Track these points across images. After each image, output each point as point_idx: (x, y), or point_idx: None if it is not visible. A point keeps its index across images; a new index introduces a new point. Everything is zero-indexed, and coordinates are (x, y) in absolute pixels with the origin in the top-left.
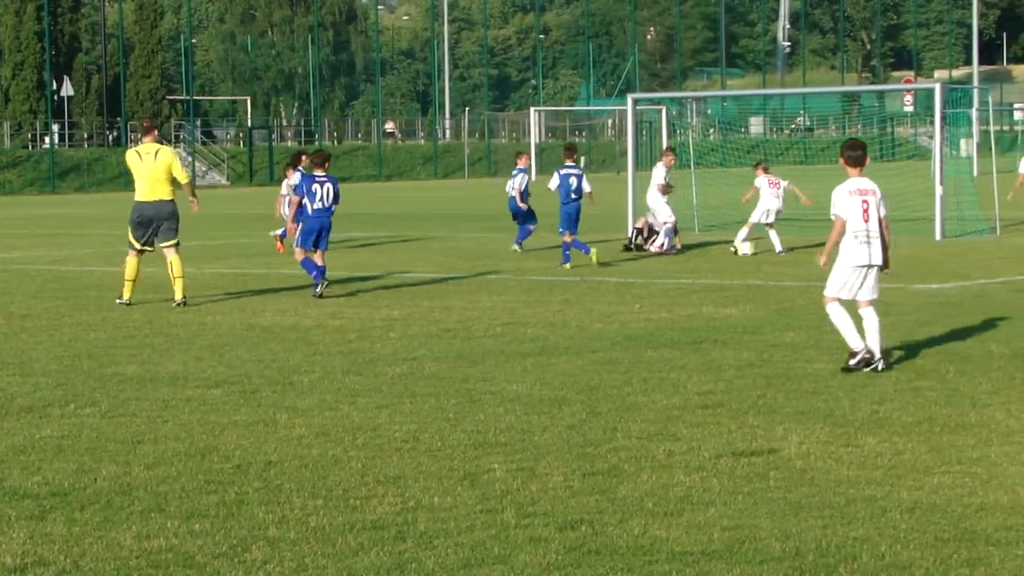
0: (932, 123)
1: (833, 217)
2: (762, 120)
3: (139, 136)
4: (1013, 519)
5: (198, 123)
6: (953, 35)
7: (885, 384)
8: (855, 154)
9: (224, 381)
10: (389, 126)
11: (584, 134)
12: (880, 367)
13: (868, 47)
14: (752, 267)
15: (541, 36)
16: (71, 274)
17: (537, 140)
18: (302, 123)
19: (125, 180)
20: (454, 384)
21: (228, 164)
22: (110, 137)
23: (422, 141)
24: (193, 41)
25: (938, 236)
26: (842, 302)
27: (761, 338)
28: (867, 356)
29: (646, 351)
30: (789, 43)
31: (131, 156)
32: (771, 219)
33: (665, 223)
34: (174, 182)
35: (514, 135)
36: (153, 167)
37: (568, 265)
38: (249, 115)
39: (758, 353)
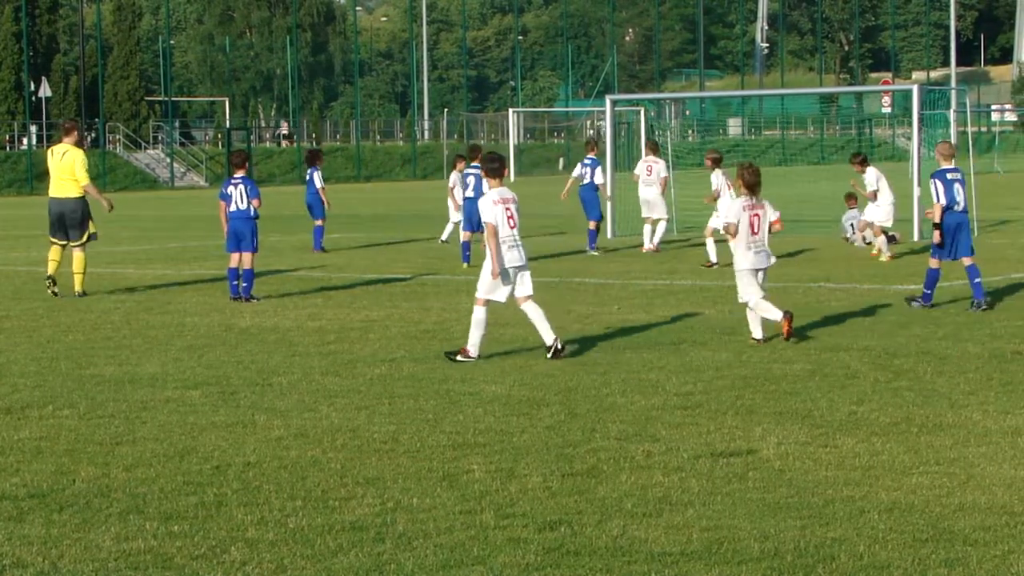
0: (910, 124)
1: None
2: (740, 121)
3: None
4: (991, 519)
5: (177, 124)
6: (931, 36)
7: (863, 385)
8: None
9: (203, 382)
10: (284, 129)
11: (563, 135)
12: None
13: (846, 48)
14: (730, 268)
15: (520, 37)
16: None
17: (516, 141)
18: (280, 124)
19: (103, 181)
20: (433, 385)
21: (207, 165)
22: (88, 138)
23: (401, 142)
24: (171, 42)
25: (916, 237)
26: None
27: (739, 339)
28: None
29: (624, 352)
30: (767, 44)
31: (48, 154)
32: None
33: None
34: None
35: (493, 136)
36: (59, 166)
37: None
38: (228, 116)
39: (736, 354)
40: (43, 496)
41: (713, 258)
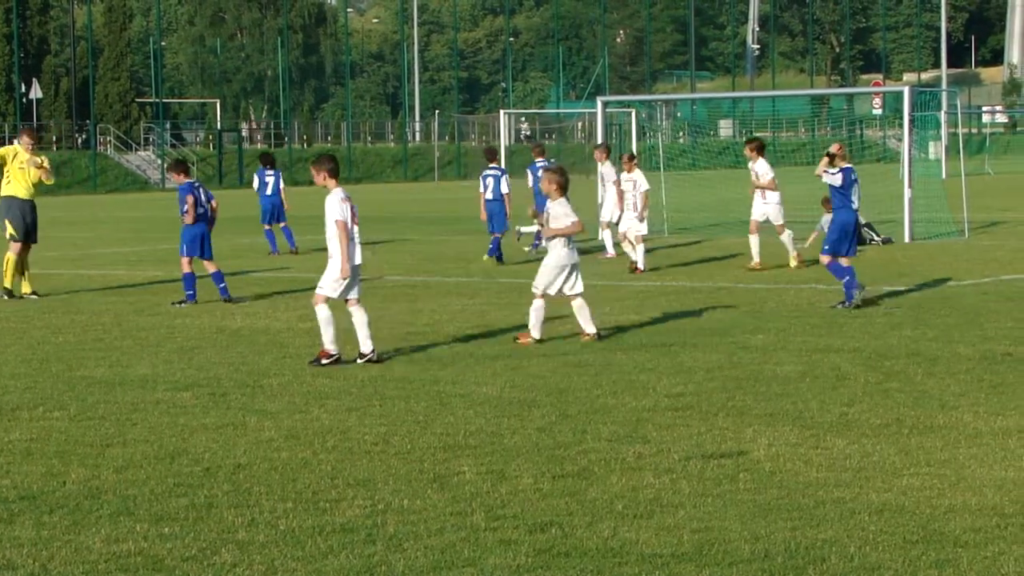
0: (901, 126)
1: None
2: (731, 123)
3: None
4: (981, 521)
5: (167, 125)
6: (922, 38)
7: (854, 386)
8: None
9: (193, 384)
10: (246, 130)
11: (554, 136)
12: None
13: (837, 50)
14: (720, 270)
15: (511, 39)
16: (39, 277)
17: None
18: (271, 126)
19: (94, 183)
20: (424, 387)
21: (197, 167)
22: (79, 140)
23: (392, 144)
24: (162, 44)
25: (907, 238)
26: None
27: (730, 340)
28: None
29: (615, 353)
30: (758, 46)
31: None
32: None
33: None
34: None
35: (484, 138)
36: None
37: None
38: (219, 118)
39: (727, 355)
40: (33, 498)
41: (756, 258)
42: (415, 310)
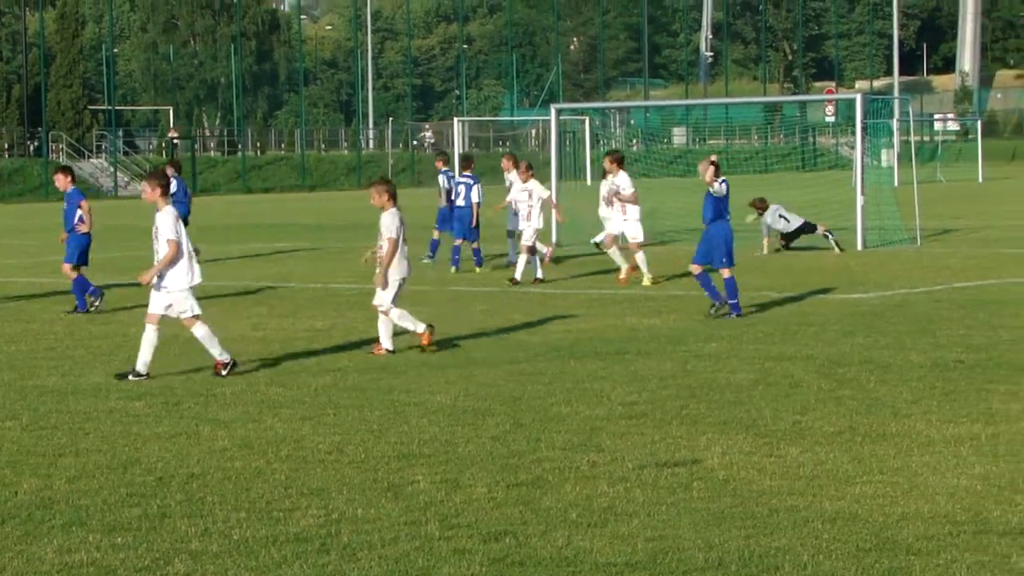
0: (853, 133)
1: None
2: (685, 130)
3: None
4: (934, 528)
5: (120, 133)
6: (874, 46)
7: (807, 394)
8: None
9: (146, 393)
10: (172, 134)
11: (508, 144)
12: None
13: (790, 58)
14: (674, 279)
15: (465, 46)
16: None
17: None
18: (225, 133)
19: (46, 190)
20: (378, 395)
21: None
22: (31, 147)
23: (345, 151)
24: (115, 51)
25: (859, 246)
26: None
27: (684, 348)
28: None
29: (569, 362)
30: (712, 53)
31: None
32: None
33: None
34: None
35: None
36: None
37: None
38: (172, 125)
39: (681, 363)
40: None
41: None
42: (369, 318)
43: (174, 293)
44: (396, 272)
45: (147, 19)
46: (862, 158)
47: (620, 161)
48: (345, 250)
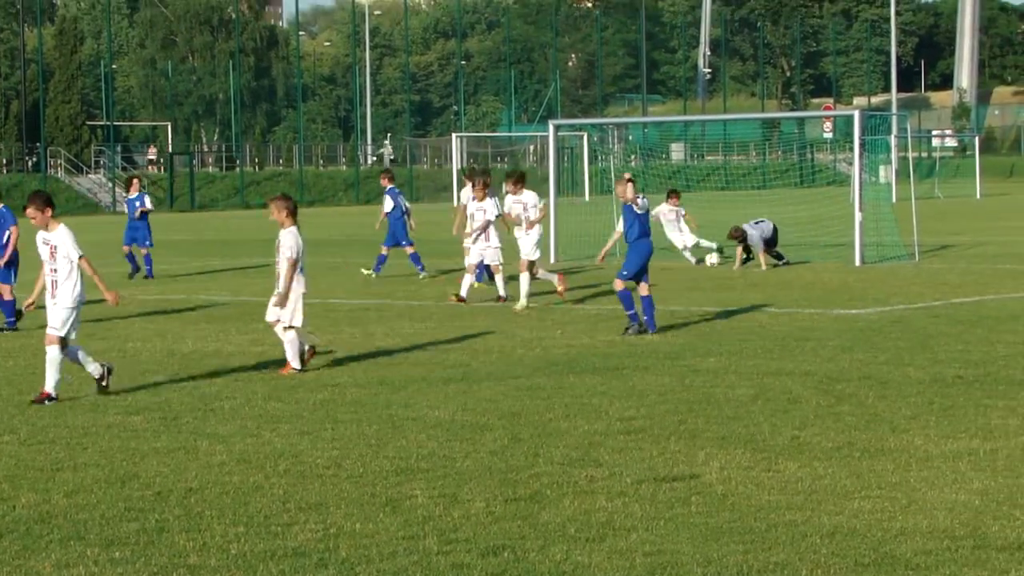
0: (851, 149)
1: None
2: (683, 146)
3: None
4: (932, 543)
5: (119, 148)
6: (872, 62)
7: (805, 409)
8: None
9: (144, 408)
10: (151, 154)
11: (506, 160)
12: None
13: (788, 74)
14: (673, 293)
15: (463, 62)
16: None
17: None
18: (223, 148)
19: None
20: (376, 410)
21: (148, 190)
22: (29, 163)
23: (344, 167)
24: (113, 66)
25: (857, 262)
26: None
27: (682, 363)
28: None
29: (568, 377)
30: (710, 70)
31: None
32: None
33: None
34: None
35: (436, 161)
36: None
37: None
38: (170, 141)
39: (679, 378)
40: None
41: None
42: (367, 333)
43: (65, 310)
44: (297, 289)
45: (145, 35)
46: (860, 174)
47: (521, 179)
48: (343, 265)
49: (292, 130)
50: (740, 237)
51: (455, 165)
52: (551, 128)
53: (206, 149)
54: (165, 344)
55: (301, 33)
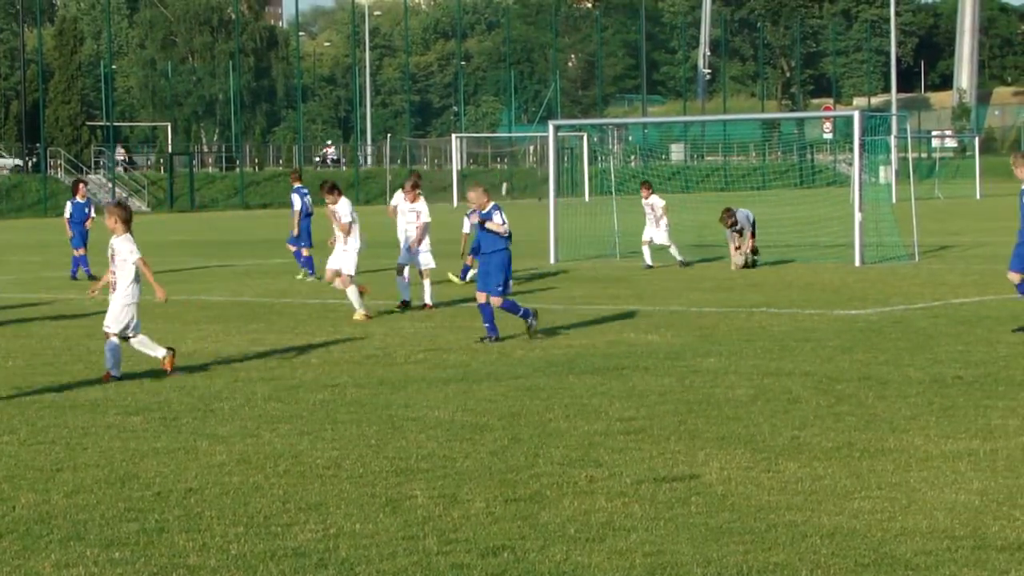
0: (851, 150)
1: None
2: (683, 147)
3: None
4: (932, 544)
5: (119, 149)
6: (872, 63)
7: (805, 409)
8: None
9: (144, 408)
10: (120, 154)
11: (506, 160)
12: None
13: (788, 74)
14: (673, 294)
15: (463, 63)
16: None
17: (459, 167)
18: (223, 149)
19: (45, 206)
20: (376, 410)
21: (148, 190)
22: (29, 163)
23: (344, 167)
24: (113, 67)
25: (857, 262)
26: None
27: (682, 364)
28: None
29: (568, 377)
30: (710, 70)
31: None
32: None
33: None
34: None
35: (436, 161)
36: None
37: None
38: (170, 141)
39: (679, 379)
40: None
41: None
42: (367, 333)
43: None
44: (131, 296)
45: (145, 36)
46: (860, 175)
47: (335, 188)
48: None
49: (292, 130)
50: (732, 219)
51: (455, 166)
52: (551, 128)
53: (206, 149)
54: (164, 343)
55: (301, 33)
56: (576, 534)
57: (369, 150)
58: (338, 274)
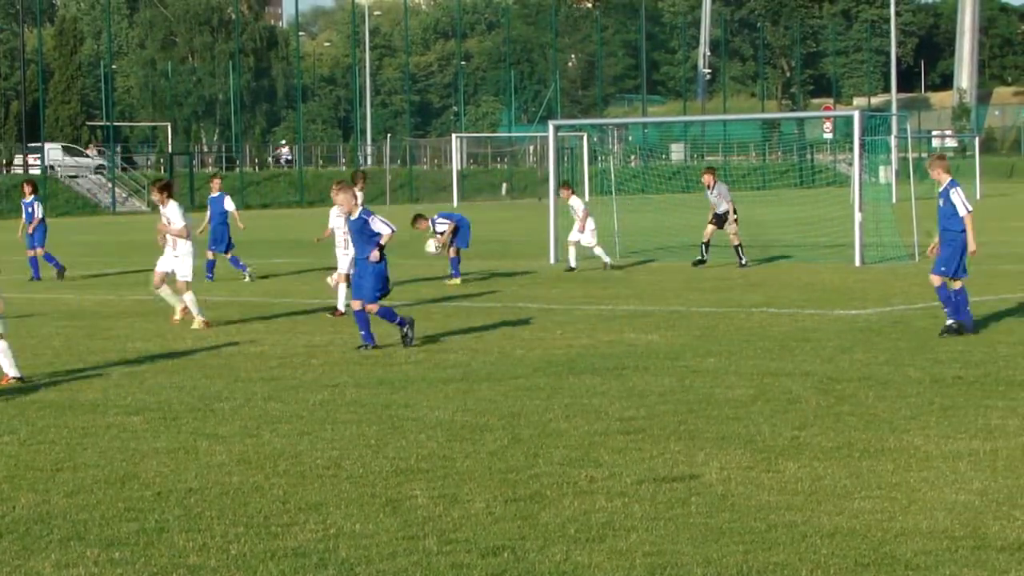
0: (851, 150)
1: None
2: (683, 146)
3: None
4: (932, 544)
5: (118, 149)
6: (872, 63)
7: (805, 409)
8: None
9: (144, 408)
10: (92, 152)
11: (506, 160)
12: None
13: (788, 74)
14: (673, 294)
15: (463, 63)
16: None
17: (459, 167)
18: (223, 149)
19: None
20: (376, 410)
21: (148, 190)
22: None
23: (344, 167)
24: (113, 67)
25: (857, 262)
26: None
27: (682, 364)
28: None
29: (568, 377)
30: (710, 70)
31: None
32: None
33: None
34: None
35: (436, 161)
36: None
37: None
38: (170, 141)
39: (679, 379)
40: None
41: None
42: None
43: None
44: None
45: (145, 36)
46: (860, 175)
47: (167, 188)
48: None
49: (292, 130)
50: (712, 180)
51: (455, 166)
52: (551, 128)
53: (206, 149)
54: (164, 344)
55: (301, 33)
56: (576, 534)
57: (369, 150)
58: (164, 279)
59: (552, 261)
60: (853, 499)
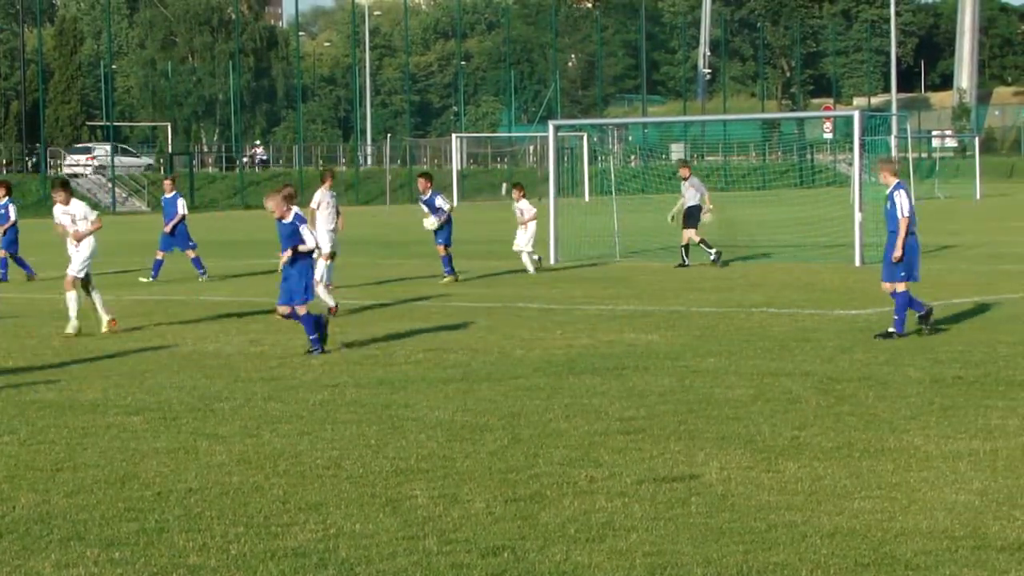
0: (851, 150)
1: None
2: (683, 146)
3: None
4: (932, 544)
5: (118, 149)
6: (872, 63)
7: (805, 410)
8: None
9: (144, 408)
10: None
11: (506, 160)
12: None
13: (788, 74)
14: (673, 294)
15: (463, 63)
16: None
17: (459, 167)
18: (223, 149)
19: (45, 206)
20: (376, 410)
21: (148, 190)
22: (29, 163)
23: (344, 167)
24: (113, 67)
25: (858, 262)
26: None
27: (682, 364)
28: None
29: (568, 377)
30: (710, 70)
31: None
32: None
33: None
34: None
35: (436, 161)
36: None
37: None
38: (170, 141)
39: (679, 379)
40: None
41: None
42: (366, 334)
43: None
44: None
45: (145, 36)
46: (860, 175)
47: (64, 187)
48: (343, 265)
49: (292, 130)
50: (688, 172)
51: (455, 166)
52: (551, 128)
53: (206, 150)
54: (164, 344)
55: (301, 33)
56: (576, 534)
57: (369, 150)
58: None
59: (552, 261)
60: (853, 499)
